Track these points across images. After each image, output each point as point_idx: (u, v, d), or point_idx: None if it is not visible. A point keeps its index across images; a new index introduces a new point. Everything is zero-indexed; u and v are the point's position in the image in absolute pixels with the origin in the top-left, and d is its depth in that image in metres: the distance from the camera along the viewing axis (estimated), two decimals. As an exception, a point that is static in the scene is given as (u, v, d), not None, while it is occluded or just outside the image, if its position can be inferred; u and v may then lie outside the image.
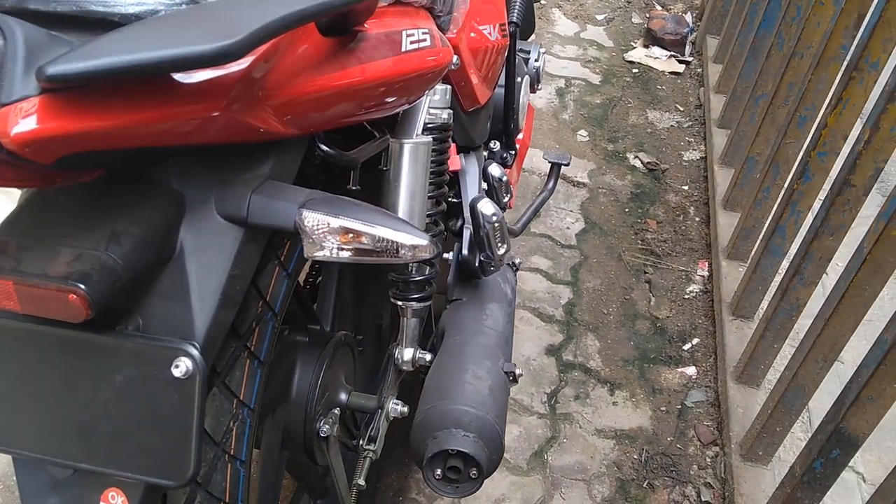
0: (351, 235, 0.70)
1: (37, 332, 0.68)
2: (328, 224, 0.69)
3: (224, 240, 0.72)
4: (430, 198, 1.12)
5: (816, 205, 1.66)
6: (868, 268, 1.26)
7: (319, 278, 1.33)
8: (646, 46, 3.30)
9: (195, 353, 0.67)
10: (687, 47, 3.29)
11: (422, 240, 0.71)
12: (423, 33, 0.90)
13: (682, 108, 2.95)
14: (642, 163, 2.63)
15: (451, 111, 1.12)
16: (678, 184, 2.56)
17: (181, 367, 0.66)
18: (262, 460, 1.16)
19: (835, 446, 1.24)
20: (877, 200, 2.56)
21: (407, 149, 1.04)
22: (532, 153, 2.53)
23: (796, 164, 1.77)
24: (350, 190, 0.90)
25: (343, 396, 1.23)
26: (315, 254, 0.71)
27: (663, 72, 3.16)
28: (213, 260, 0.71)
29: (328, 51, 0.74)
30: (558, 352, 1.93)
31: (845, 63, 1.61)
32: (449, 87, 1.11)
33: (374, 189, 1.11)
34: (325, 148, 0.83)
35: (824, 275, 1.60)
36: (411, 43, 0.86)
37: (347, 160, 0.86)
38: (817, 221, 1.50)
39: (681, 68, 3.18)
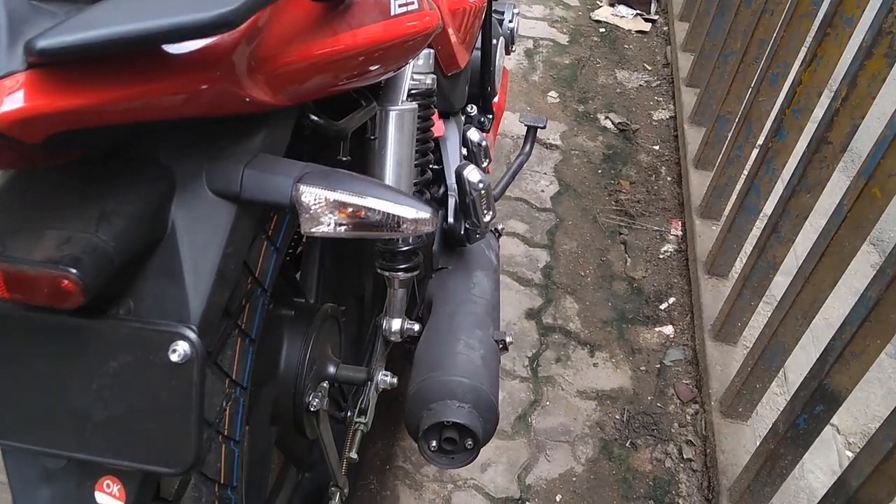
0: (350, 210, 0.67)
1: (26, 319, 0.65)
2: (326, 198, 0.67)
3: (217, 216, 0.69)
4: (415, 166, 1.09)
5: (791, 162, 1.66)
6: (848, 225, 1.27)
7: (300, 249, 1.30)
8: (611, 5, 3.28)
9: (193, 336, 0.64)
10: (652, 5, 3.27)
11: (424, 213, 0.69)
12: (410, -3, 0.87)
13: (649, 68, 2.94)
14: (613, 123, 2.62)
15: (434, 76, 1.09)
16: (649, 144, 2.56)
17: (179, 351, 0.64)
18: (251, 436, 1.14)
19: (818, 402, 1.26)
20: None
21: (393, 116, 1.02)
22: (504, 116, 2.51)
23: (770, 121, 1.78)
24: (341, 161, 0.87)
25: (331, 369, 1.21)
26: (312, 230, 0.68)
27: (630, 31, 3.14)
28: (207, 238, 0.69)
29: (319, 17, 0.71)
30: (538, 315, 1.93)
31: (818, 19, 1.61)
32: (432, 51, 1.09)
33: (360, 158, 1.08)
34: (315, 118, 0.80)
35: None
36: (399, 7, 0.83)
37: (337, 130, 0.83)
38: (794, 179, 1.51)
39: (647, 27, 3.17)
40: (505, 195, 2.23)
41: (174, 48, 0.58)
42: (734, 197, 1.96)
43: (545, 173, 2.37)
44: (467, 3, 1.26)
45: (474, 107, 1.63)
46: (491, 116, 1.70)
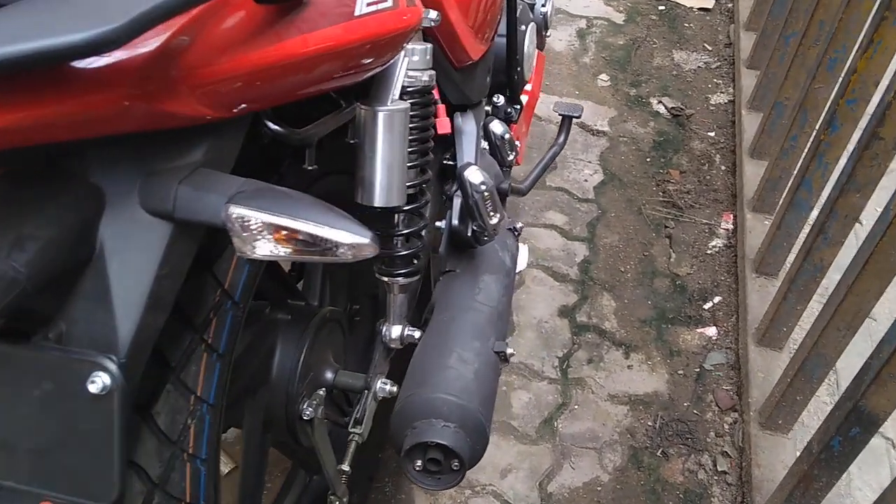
0: (284, 233, 0.62)
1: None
2: (259, 220, 0.62)
3: (150, 237, 0.65)
4: (411, 167, 1.03)
5: (845, 156, 1.54)
6: (894, 232, 1.16)
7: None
8: (674, -19, 3.12)
9: (112, 367, 0.61)
10: (718, -19, 3.10)
11: (363, 238, 0.63)
12: (384, -8, 0.81)
13: (710, 48, 2.79)
14: (666, 108, 2.50)
15: (433, 72, 1.02)
16: (704, 130, 2.43)
17: (98, 382, 0.60)
18: (244, 442, 1.12)
19: (854, 424, 1.16)
20: None
21: (381, 117, 0.95)
22: (549, 100, 2.42)
23: (824, 111, 1.65)
24: (306, 171, 0.82)
25: (329, 375, 1.17)
26: (247, 253, 0.64)
27: (691, 8, 2.99)
28: (138, 260, 0.65)
29: (263, 21, 0.66)
30: (572, 313, 1.86)
31: (878, 0, 1.47)
32: (430, 45, 1.02)
33: (345, 162, 1.03)
34: (272, 126, 0.75)
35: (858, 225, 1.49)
36: (368, 6, 0.77)
37: (299, 138, 0.78)
38: (843, 177, 1.39)
39: (710, 3, 3.00)
40: (545, 185, 2.15)
41: (81, 63, 0.53)
42: (785, 191, 1.84)
43: (589, 161, 2.27)
44: (478, -9, 1.19)
45: (501, 96, 1.56)
46: (519, 107, 1.63)
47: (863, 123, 1.45)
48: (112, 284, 0.64)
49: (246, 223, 0.62)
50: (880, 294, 1.26)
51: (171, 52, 0.57)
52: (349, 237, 0.63)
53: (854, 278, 1.25)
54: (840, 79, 1.59)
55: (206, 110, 0.63)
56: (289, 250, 0.64)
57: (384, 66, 0.88)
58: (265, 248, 0.63)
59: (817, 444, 1.24)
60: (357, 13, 0.75)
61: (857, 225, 1.59)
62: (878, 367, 1.09)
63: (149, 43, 0.55)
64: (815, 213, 1.64)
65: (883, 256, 1.20)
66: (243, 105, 0.67)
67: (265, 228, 0.63)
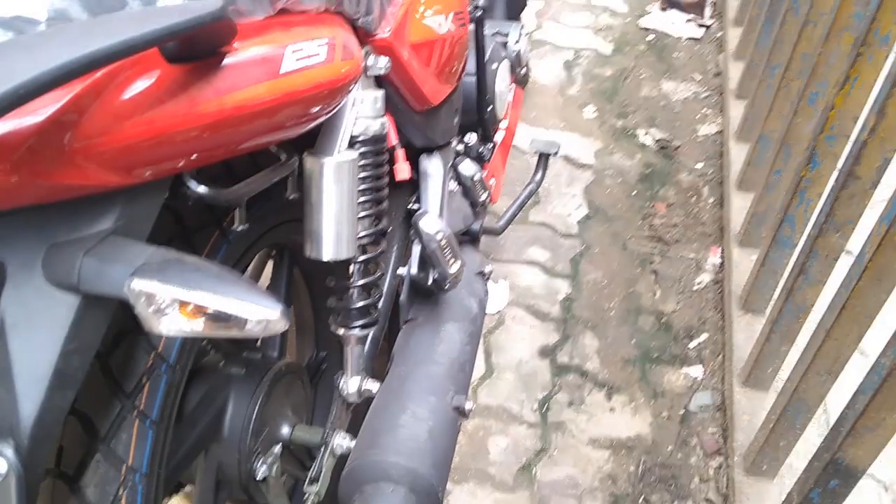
0: (192, 307, 0.59)
1: None
2: (164, 294, 0.59)
3: (55, 310, 0.62)
4: (363, 217, 1.00)
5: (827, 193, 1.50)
6: (870, 276, 1.12)
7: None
8: (663, 10, 3.10)
9: (9, 452, 0.58)
10: (707, 9, 3.08)
11: (272, 312, 0.60)
12: (319, 46, 0.78)
13: (699, 77, 2.76)
14: (653, 140, 2.46)
15: (385, 120, 1.00)
16: (692, 162, 2.40)
17: (-7, 469, 0.57)
18: (196, 501, 1.08)
19: (832, 477, 1.12)
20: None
21: (328, 168, 0.93)
22: (534, 134, 2.40)
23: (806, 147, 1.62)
24: (236, 231, 0.79)
25: (286, 431, 1.13)
26: (154, 329, 0.60)
27: (680, 38, 2.97)
28: (43, 335, 0.61)
29: (174, 82, 0.63)
30: (553, 353, 1.82)
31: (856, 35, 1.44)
32: (381, 93, 0.99)
33: (293, 213, 1.00)
34: (195, 188, 0.72)
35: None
36: (297, 61, 0.74)
37: (227, 199, 0.75)
38: (821, 217, 1.36)
39: (700, 33, 2.98)
40: (527, 221, 2.12)
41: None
42: (769, 228, 1.80)
43: (574, 195, 2.24)
44: (437, 35, 1.16)
45: (473, 135, 1.53)
46: (492, 145, 1.60)
47: (842, 161, 1.41)
48: (14, 362, 0.61)
49: (151, 297, 0.59)
50: (860, 339, 1.22)
51: (60, 123, 0.54)
52: (257, 312, 0.59)
53: (832, 323, 1.20)
54: (818, 115, 1.56)
55: (110, 178, 0.60)
56: (199, 326, 0.61)
57: (324, 119, 0.85)
58: (173, 324, 0.60)
59: (797, 496, 1.19)
60: (284, 70, 0.72)
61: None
62: (854, 419, 1.05)
63: (33, 116, 0.53)
64: (798, 249, 1.61)
65: (860, 301, 1.16)
66: (155, 170, 0.64)
67: (171, 303, 0.59)
